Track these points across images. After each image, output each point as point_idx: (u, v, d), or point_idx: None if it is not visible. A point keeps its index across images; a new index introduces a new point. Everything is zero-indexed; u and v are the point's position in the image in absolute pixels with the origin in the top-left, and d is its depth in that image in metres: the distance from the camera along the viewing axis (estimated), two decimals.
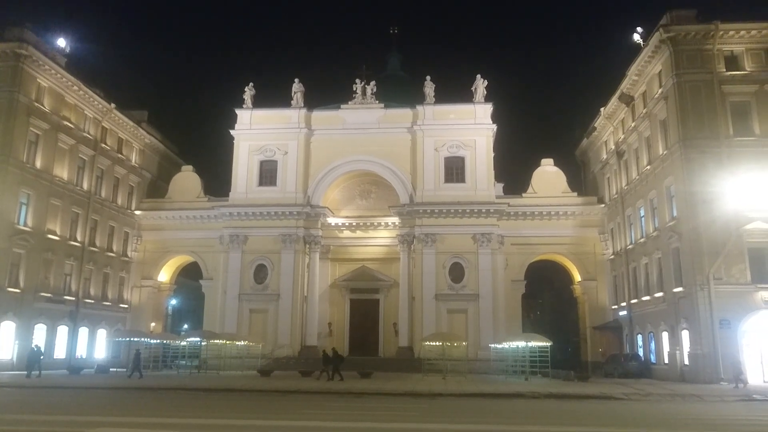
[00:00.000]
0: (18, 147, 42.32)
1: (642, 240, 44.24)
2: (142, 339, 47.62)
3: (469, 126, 51.71)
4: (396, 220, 52.87)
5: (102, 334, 51.33)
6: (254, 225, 51.88)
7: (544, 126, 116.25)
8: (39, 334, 43.98)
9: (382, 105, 53.74)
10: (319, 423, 16.81)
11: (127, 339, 48.55)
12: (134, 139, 56.57)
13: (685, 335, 37.39)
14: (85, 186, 49.45)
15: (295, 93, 54.02)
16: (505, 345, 44.10)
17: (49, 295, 44.72)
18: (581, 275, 52.53)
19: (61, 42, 47.79)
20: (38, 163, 44.30)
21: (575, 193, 53.57)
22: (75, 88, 47.44)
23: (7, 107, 41.86)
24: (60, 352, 46.00)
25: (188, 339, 47.22)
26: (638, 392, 27.90)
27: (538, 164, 53.95)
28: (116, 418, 17.43)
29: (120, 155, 54.30)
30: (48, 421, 16.69)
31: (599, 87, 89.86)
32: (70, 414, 18.25)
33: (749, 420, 19.00)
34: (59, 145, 46.33)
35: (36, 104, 43.90)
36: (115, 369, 45.53)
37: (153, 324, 55.27)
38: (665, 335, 40.34)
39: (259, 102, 54.57)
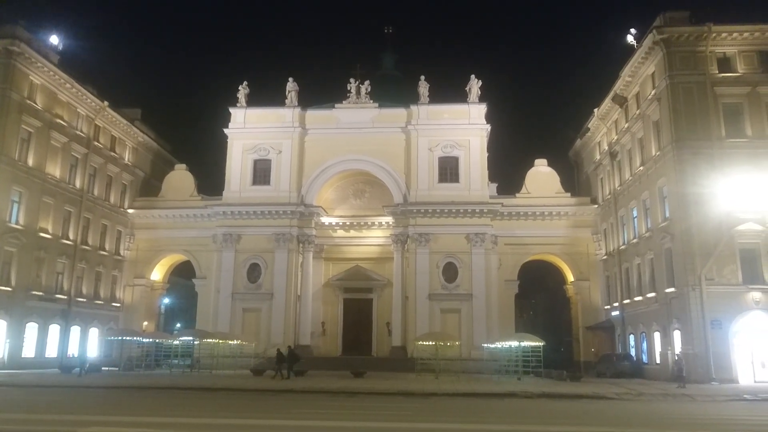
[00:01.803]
0: (10, 144, 42.07)
1: (635, 240, 44.44)
2: (134, 338, 47.49)
3: (463, 126, 51.79)
4: (390, 219, 52.88)
5: (94, 332, 51.10)
6: (248, 224, 51.77)
7: (537, 126, 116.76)
8: (30, 332, 43.78)
9: (377, 104, 53.71)
10: (312, 422, 16.81)
11: (120, 338, 48.39)
12: (127, 137, 56.35)
13: (676, 335, 37.60)
14: (78, 184, 49.23)
15: (289, 92, 53.91)
16: (498, 345, 44.18)
17: (40, 293, 44.49)
18: (574, 275, 52.71)
19: (54, 39, 47.61)
20: (30, 161, 44.06)
21: (568, 194, 53.76)
22: (68, 85, 47.21)
23: None
24: (51, 351, 45.75)
25: (181, 338, 47.07)
26: (630, 392, 28.03)
27: (531, 164, 54.10)
28: (108, 417, 17.36)
29: (113, 153, 54.07)
30: (39, 420, 16.61)
31: (593, 88, 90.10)
32: (62, 413, 18.16)
33: (739, 420, 19.12)
34: (52, 143, 46.09)
35: (28, 101, 43.67)
36: (107, 368, 45.33)
37: (145, 323, 55.08)
38: (657, 335, 40.55)
39: (253, 101, 54.45)
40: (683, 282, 36.12)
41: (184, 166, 57.78)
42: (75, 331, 48.71)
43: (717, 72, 38.29)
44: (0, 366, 39.55)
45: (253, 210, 51.61)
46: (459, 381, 35.18)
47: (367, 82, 54.28)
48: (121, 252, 54.94)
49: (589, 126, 53.92)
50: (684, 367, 32.73)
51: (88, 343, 50.15)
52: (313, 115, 54.00)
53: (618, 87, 45.84)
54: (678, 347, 37.04)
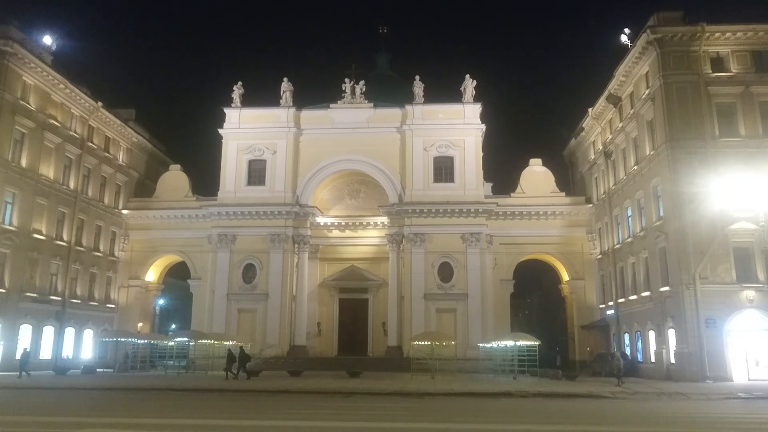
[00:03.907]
0: (3, 145, 41.85)
1: (629, 240, 44.57)
2: (129, 339, 47.35)
3: (458, 126, 51.83)
4: (385, 219, 52.89)
5: (89, 334, 50.89)
6: (243, 224, 51.68)
7: (532, 126, 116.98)
8: (25, 334, 43.56)
9: (372, 104, 53.69)
10: (308, 423, 16.79)
11: (115, 339, 48.23)
12: (121, 137, 56.15)
13: (671, 334, 37.75)
14: (72, 185, 49.01)
15: (283, 92, 53.85)
16: (494, 344, 44.27)
17: (34, 295, 44.27)
18: (569, 275, 52.83)
19: (47, 40, 47.39)
20: (24, 162, 43.85)
21: (563, 193, 53.85)
22: (61, 86, 47.00)
23: None
24: (46, 353, 45.53)
25: (176, 339, 47.00)
26: (625, 391, 28.13)
27: (526, 164, 54.18)
28: (104, 419, 17.32)
29: (107, 154, 53.87)
30: (35, 422, 16.53)
31: (587, 87, 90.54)
32: (57, 415, 18.09)
33: (734, 418, 19.20)
34: (45, 144, 45.87)
35: (21, 102, 43.45)
36: (102, 369, 45.19)
37: (140, 324, 54.88)
38: (652, 334, 40.69)
39: (247, 101, 54.36)
40: (677, 281, 36.25)
41: (178, 166, 57.59)
42: (69, 332, 48.47)
43: (710, 72, 38.44)
44: None
45: (248, 210, 51.51)
46: (455, 380, 35.21)
47: (362, 82, 54.27)
48: (116, 253, 54.74)
49: (583, 125, 54.04)
50: (622, 366, 33.56)
51: (82, 345, 50.04)
52: (308, 115, 53.94)
53: (612, 87, 45.96)
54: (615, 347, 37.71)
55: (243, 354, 37.33)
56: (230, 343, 46.90)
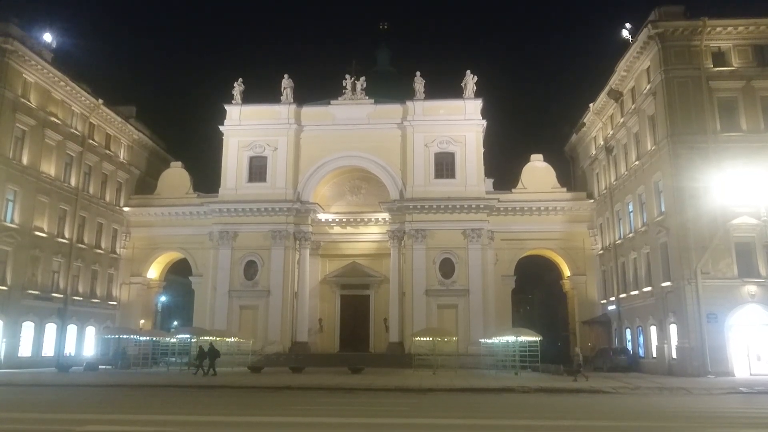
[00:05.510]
0: (4, 143, 41.89)
1: (630, 235, 44.55)
2: (131, 336, 47.44)
3: (459, 122, 51.78)
4: (386, 215, 52.88)
5: (91, 331, 51.00)
6: (244, 221, 51.70)
7: (533, 122, 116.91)
8: (27, 332, 43.66)
9: (372, 101, 53.64)
10: (310, 419, 16.82)
11: (117, 336, 48.32)
12: (122, 135, 56.15)
13: (672, 329, 37.75)
14: (73, 182, 49.04)
15: (284, 89, 53.82)
16: (495, 340, 44.32)
17: (36, 292, 44.36)
18: (570, 270, 52.82)
19: (48, 37, 47.35)
20: (25, 160, 43.87)
21: (564, 189, 53.81)
22: (62, 83, 46.99)
23: None
24: (48, 350, 45.64)
25: (178, 336, 47.11)
26: (627, 386, 28.11)
27: (527, 160, 54.11)
28: (106, 415, 17.35)
29: (108, 151, 53.88)
30: (37, 419, 16.57)
31: (588, 83, 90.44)
32: (60, 412, 18.12)
33: (735, 412, 19.22)
34: (46, 141, 45.89)
35: (22, 100, 43.45)
36: (104, 366, 45.30)
37: (142, 321, 55.01)
38: (653, 329, 40.69)
39: (248, 98, 54.32)
40: (679, 276, 36.24)
41: (179, 163, 57.61)
42: (71, 329, 48.58)
43: (712, 66, 38.33)
44: None
45: (249, 207, 51.53)
46: (456, 376, 35.25)
47: (362, 79, 54.21)
48: (117, 250, 54.80)
49: (584, 121, 53.92)
50: (582, 362, 34.02)
51: (85, 342, 50.12)
52: (309, 111, 53.90)
53: (613, 82, 45.86)
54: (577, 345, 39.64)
55: (212, 350, 37.62)
56: (233, 338, 47.14)
